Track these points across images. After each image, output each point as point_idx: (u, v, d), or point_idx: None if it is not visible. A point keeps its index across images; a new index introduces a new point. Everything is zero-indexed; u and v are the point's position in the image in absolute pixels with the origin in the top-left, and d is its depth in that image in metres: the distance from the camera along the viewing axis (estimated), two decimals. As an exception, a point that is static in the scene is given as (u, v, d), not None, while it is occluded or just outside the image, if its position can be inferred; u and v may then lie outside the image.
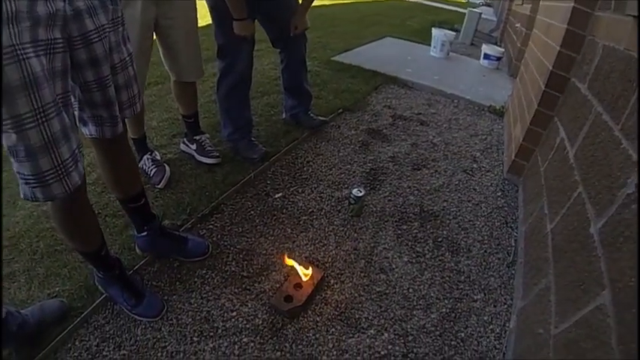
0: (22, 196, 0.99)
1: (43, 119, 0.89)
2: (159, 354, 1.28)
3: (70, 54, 0.99)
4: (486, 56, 4.62)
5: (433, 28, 4.77)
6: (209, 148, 2.19)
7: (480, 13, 6.03)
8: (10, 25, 0.81)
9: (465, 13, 6.17)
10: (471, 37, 6.02)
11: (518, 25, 4.82)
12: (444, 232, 1.87)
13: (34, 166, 0.93)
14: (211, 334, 1.34)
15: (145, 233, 1.53)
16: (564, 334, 1.01)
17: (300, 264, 1.53)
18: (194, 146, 2.21)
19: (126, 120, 1.29)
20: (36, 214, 1.84)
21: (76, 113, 1.13)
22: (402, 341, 1.37)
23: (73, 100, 1.07)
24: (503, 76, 4.38)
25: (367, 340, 1.37)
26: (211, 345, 1.31)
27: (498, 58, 4.60)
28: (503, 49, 4.76)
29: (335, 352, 1.32)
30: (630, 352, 0.73)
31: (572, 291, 1.07)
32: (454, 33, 4.82)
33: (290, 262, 1.54)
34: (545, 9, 2.79)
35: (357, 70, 3.85)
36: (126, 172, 1.39)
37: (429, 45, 4.86)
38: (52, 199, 1.00)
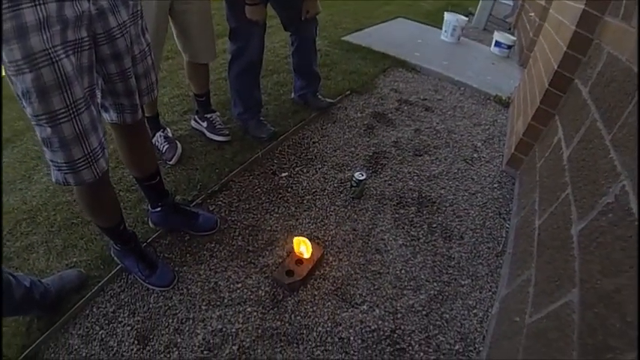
0: (53, 180, 1.09)
1: (75, 114, 0.98)
2: (170, 320, 1.40)
3: (95, 50, 1.05)
4: (497, 44, 4.57)
5: (445, 12, 4.71)
6: (219, 126, 2.26)
7: (495, -1, 5.91)
8: (43, 30, 0.88)
9: (481, -4, 6.05)
10: (484, 23, 5.92)
11: (532, 14, 4.73)
12: (439, 219, 1.97)
13: (67, 155, 1.03)
14: (218, 303, 1.47)
15: (159, 209, 1.63)
16: (536, 324, 1.12)
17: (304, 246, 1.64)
18: (205, 124, 2.28)
19: None
20: (52, 188, 1.94)
21: (99, 101, 1.21)
22: (392, 318, 1.49)
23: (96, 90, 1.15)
24: (513, 65, 4.34)
25: (359, 315, 1.49)
26: (218, 313, 1.44)
27: (509, 47, 4.55)
28: (515, 38, 4.70)
29: (329, 324, 1.45)
30: (587, 347, 0.83)
31: (548, 285, 1.17)
32: (466, 18, 4.75)
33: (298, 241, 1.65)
34: (558, 5, 2.77)
35: (366, 51, 3.84)
36: (143, 154, 1.48)
37: (441, 28, 4.81)
38: (82, 183, 1.10)
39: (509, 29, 6.14)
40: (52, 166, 1.07)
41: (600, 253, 0.95)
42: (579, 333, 0.88)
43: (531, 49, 3.87)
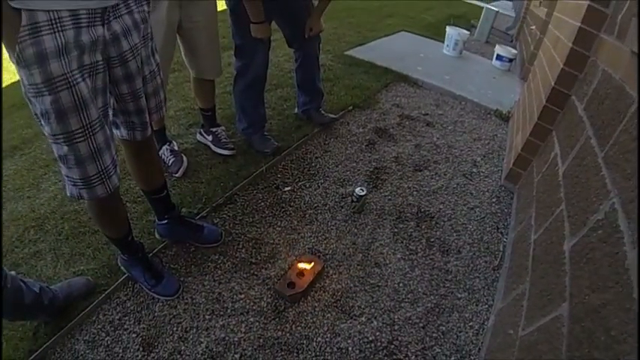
0: (68, 194, 1.16)
1: (90, 133, 1.05)
2: (174, 328, 1.45)
3: (108, 72, 1.11)
4: (499, 57, 4.62)
5: (447, 27, 4.79)
6: (224, 140, 2.32)
7: (497, 12, 5.99)
8: (61, 56, 0.94)
9: (484, 7, 6.13)
10: (486, 35, 6.00)
11: (533, 27, 4.79)
12: (438, 233, 2.01)
13: (82, 171, 1.09)
14: (221, 313, 1.51)
15: (165, 221, 1.69)
16: (528, 337, 1.15)
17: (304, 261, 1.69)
18: (210, 137, 2.35)
19: None
20: (60, 197, 1.99)
21: (111, 119, 1.27)
22: (389, 330, 1.53)
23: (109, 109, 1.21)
24: (514, 79, 4.38)
25: (358, 327, 1.53)
26: (221, 322, 1.48)
27: (510, 60, 4.60)
28: (516, 51, 4.76)
29: (329, 335, 1.48)
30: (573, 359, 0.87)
31: (541, 299, 1.21)
32: (468, 32, 4.83)
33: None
34: (557, 20, 2.80)
35: (369, 65, 3.90)
36: (151, 168, 1.53)
37: (443, 41, 4.88)
38: (95, 198, 1.17)
39: (512, 41, 6.21)
40: (68, 181, 1.13)
41: (589, 268, 0.98)
42: (567, 346, 0.92)
43: (532, 62, 3.87)
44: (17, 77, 3.15)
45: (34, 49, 0.90)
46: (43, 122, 1.01)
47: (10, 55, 0.94)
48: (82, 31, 0.97)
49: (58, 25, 0.92)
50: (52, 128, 1.01)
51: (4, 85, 3.43)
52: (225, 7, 2.11)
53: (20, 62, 0.91)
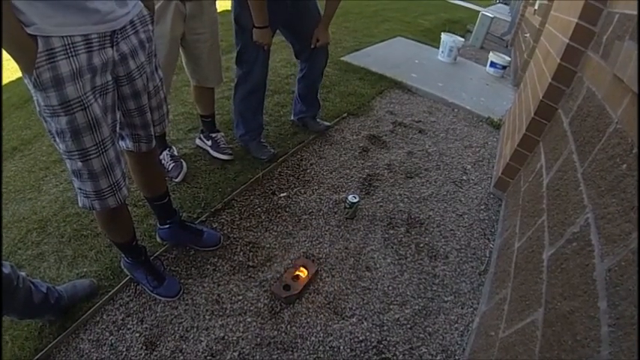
0: (80, 205, 1.22)
1: (103, 150, 1.12)
2: (176, 328, 1.51)
3: (117, 90, 1.18)
4: (492, 64, 4.71)
5: (442, 33, 4.87)
6: (223, 145, 2.39)
7: (492, 18, 6.09)
8: (76, 80, 1.00)
9: (480, 13, 6.21)
10: (481, 41, 6.10)
11: (527, 35, 4.86)
12: (426, 239, 2.09)
13: (95, 185, 1.16)
14: (220, 313, 1.58)
15: (167, 226, 1.75)
16: (506, 338, 1.24)
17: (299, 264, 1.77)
18: (209, 142, 2.41)
19: None
20: (61, 200, 2.05)
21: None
22: (378, 330, 1.61)
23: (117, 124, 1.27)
24: (507, 86, 4.45)
25: (349, 327, 1.60)
26: (220, 322, 1.55)
27: (504, 67, 4.69)
28: (509, 59, 4.85)
29: (322, 335, 1.56)
30: (544, 360, 0.96)
31: (520, 304, 1.29)
32: (462, 39, 4.91)
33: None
34: (548, 33, 2.86)
35: (364, 72, 3.97)
36: (154, 177, 1.61)
37: (438, 47, 4.96)
38: (106, 208, 1.23)
39: (507, 47, 6.31)
40: (80, 193, 1.19)
41: (563, 277, 1.07)
42: (540, 348, 1.01)
43: (525, 69, 3.90)
44: (15, 76, 3.17)
45: (51, 74, 0.96)
46: (58, 140, 1.08)
47: (25, 78, 0.99)
48: (93, 55, 1.03)
49: (72, 50, 0.98)
50: (68, 146, 1.07)
51: (3, 83, 3.45)
52: (225, 7, 2.15)
53: (37, 85, 0.97)
